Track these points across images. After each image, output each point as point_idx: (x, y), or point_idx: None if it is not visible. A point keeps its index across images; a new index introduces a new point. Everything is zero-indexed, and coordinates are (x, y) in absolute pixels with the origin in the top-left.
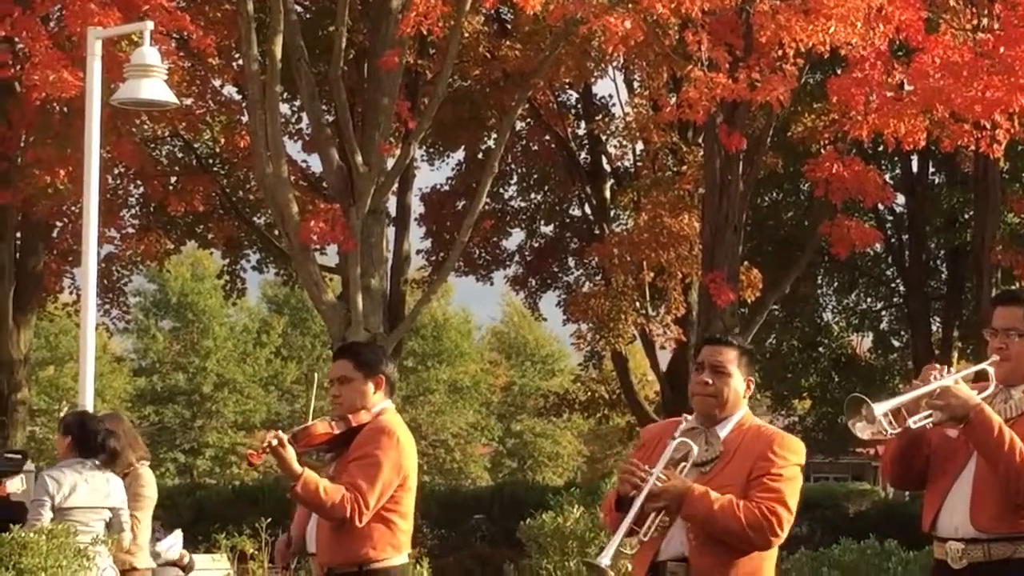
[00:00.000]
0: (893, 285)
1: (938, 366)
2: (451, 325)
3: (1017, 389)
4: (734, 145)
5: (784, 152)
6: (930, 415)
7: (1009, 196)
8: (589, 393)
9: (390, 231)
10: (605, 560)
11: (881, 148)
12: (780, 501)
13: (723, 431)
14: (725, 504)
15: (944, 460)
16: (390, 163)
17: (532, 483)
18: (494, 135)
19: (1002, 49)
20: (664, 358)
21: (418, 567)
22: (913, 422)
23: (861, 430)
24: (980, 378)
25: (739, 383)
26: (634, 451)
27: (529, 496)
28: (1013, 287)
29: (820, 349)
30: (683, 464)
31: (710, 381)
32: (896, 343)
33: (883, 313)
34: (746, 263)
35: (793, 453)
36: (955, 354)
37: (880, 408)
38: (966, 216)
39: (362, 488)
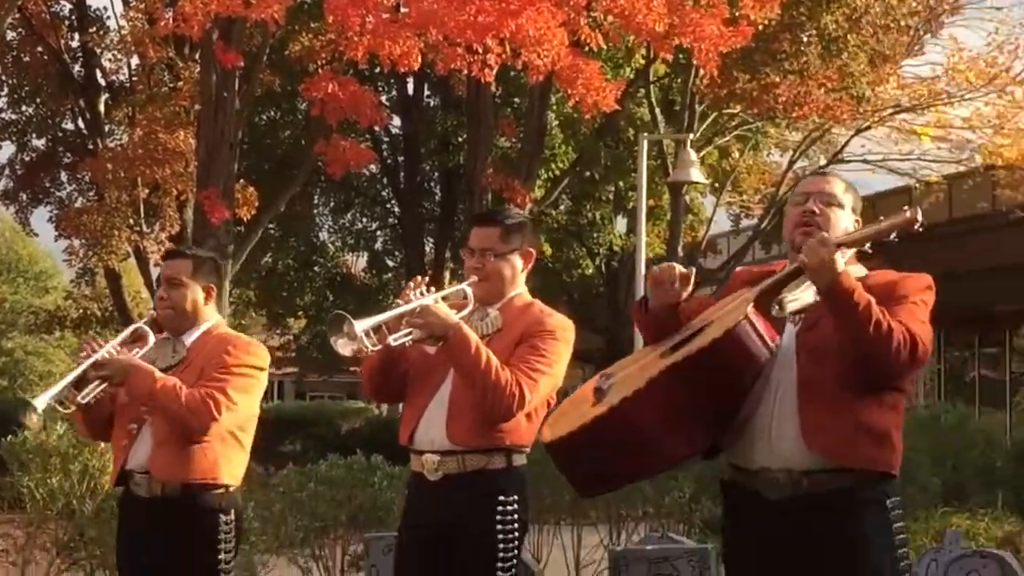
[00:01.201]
0: (388, 206)
1: (418, 281)
2: None
3: (493, 307)
4: (230, 62)
5: (282, 71)
6: (410, 333)
7: (501, 120)
8: (81, 310)
9: None
10: (39, 401)
11: (378, 70)
12: (222, 391)
13: (189, 339)
14: (169, 386)
15: (423, 376)
16: None
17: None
18: None
19: None
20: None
21: None
22: (393, 339)
23: (343, 347)
24: (462, 297)
25: (196, 294)
26: None
27: (17, 415)
28: (495, 208)
29: (316, 268)
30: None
31: (165, 296)
32: (391, 263)
33: (378, 233)
34: (242, 181)
35: (247, 355)
36: (447, 274)
37: (361, 325)
38: (459, 139)
39: None
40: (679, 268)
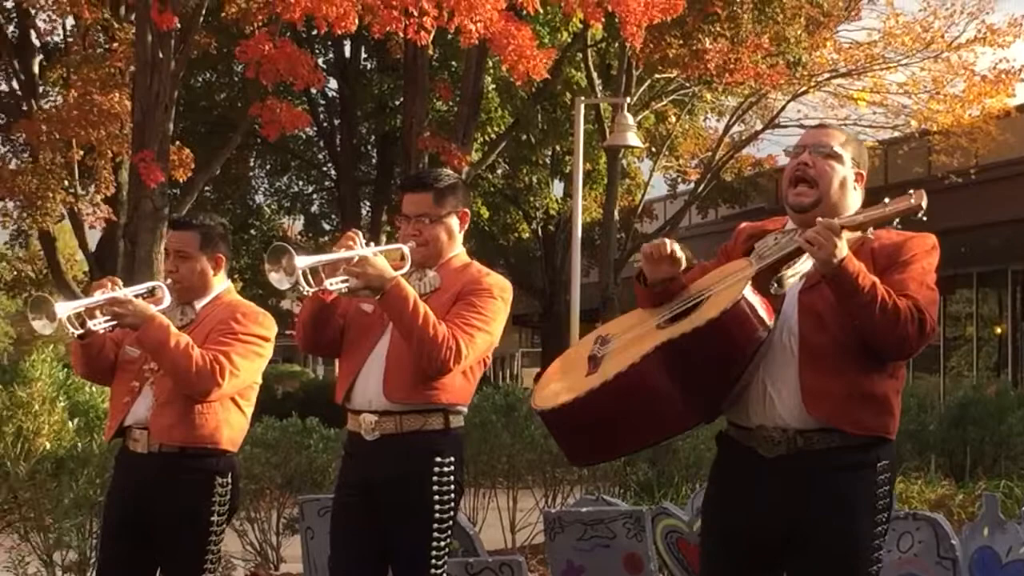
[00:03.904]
0: (325, 169)
1: (356, 234)
2: None
3: (431, 269)
4: (166, 23)
5: (218, 33)
6: (347, 281)
7: (437, 83)
8: (15, 272)
9: None
10: (61, 308)
11: (315, 32)
12: (227, 356)
13: (199, 304)
14: (183, 344)
15: (360, 334)
16: None
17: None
18: None
19: None
20: (93, 237)
21: None
22: (330, 284)
23: (278, 281)
24: (399, 257)
25: (204, 265)
26: None
27: None
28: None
29: (252, 231)
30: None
31: (173, 268)
32: (327, 226)
33: (314, 196)
34: (177, 143)
35: (255, 324)
36: (383, 238)
37: (301, 261)
38: (396, 102)
39: None
40: (670, 245)
